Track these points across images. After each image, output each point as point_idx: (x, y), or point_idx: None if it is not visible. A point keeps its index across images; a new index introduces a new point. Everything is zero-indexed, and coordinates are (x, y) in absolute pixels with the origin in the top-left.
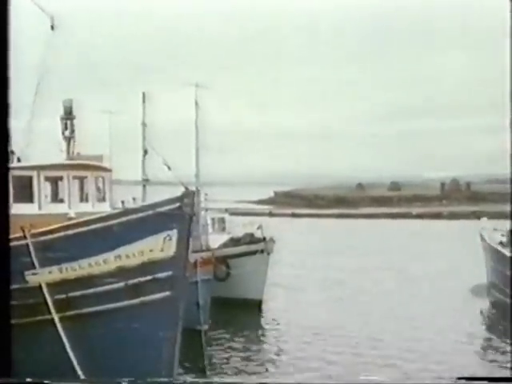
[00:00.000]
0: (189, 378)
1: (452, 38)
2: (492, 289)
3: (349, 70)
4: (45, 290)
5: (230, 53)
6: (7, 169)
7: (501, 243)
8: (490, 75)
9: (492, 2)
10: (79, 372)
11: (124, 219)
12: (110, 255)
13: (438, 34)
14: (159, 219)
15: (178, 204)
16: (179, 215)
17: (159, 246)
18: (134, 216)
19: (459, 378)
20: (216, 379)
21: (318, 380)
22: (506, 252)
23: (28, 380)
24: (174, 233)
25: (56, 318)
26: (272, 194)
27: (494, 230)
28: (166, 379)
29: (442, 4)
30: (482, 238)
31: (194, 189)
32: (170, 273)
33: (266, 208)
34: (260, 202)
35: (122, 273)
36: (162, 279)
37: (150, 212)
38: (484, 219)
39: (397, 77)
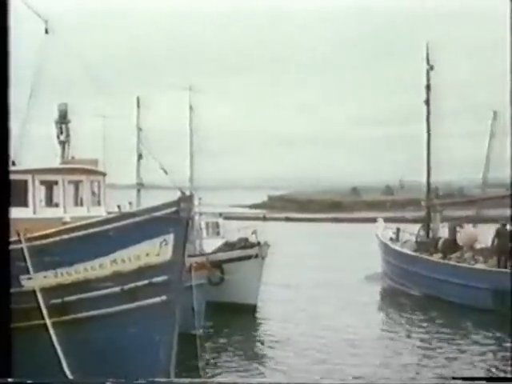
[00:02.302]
0: (184, 379)
1: (450, 39)
2: (384, 276)
3: (344, 73)
4: (38, 295)
5: (225, 56)
6: (7, 173)
7: (391, 239)
8: (490, 79)
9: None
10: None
11: (120, 223)
12: (105, 260)
13: (437, 36)
14: (155, 223)
15: (174, 208)
16: (176, 219)
17: (155, 250)
18: (130, 220)
19: (454, 378)
20: (214, 380)
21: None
22: (394, 246)
23: (9, 380)
24: (170, 237)
25: (49, 322)
26: (266, 199)
27: (385, 228)
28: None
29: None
30: (377, 236)
31: (188, 193)
32: (166, 277)
33: (259, 212)
34: (254, 206)
35: (117, 277)
36: (158, 284)
37: (147, 216)
38: (380, 219)
39: (392, 81)
